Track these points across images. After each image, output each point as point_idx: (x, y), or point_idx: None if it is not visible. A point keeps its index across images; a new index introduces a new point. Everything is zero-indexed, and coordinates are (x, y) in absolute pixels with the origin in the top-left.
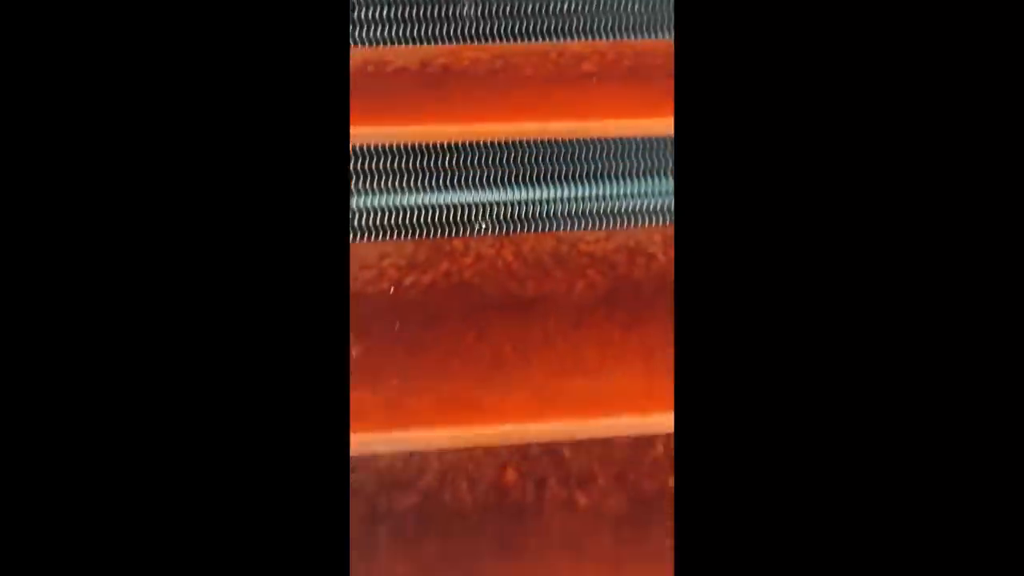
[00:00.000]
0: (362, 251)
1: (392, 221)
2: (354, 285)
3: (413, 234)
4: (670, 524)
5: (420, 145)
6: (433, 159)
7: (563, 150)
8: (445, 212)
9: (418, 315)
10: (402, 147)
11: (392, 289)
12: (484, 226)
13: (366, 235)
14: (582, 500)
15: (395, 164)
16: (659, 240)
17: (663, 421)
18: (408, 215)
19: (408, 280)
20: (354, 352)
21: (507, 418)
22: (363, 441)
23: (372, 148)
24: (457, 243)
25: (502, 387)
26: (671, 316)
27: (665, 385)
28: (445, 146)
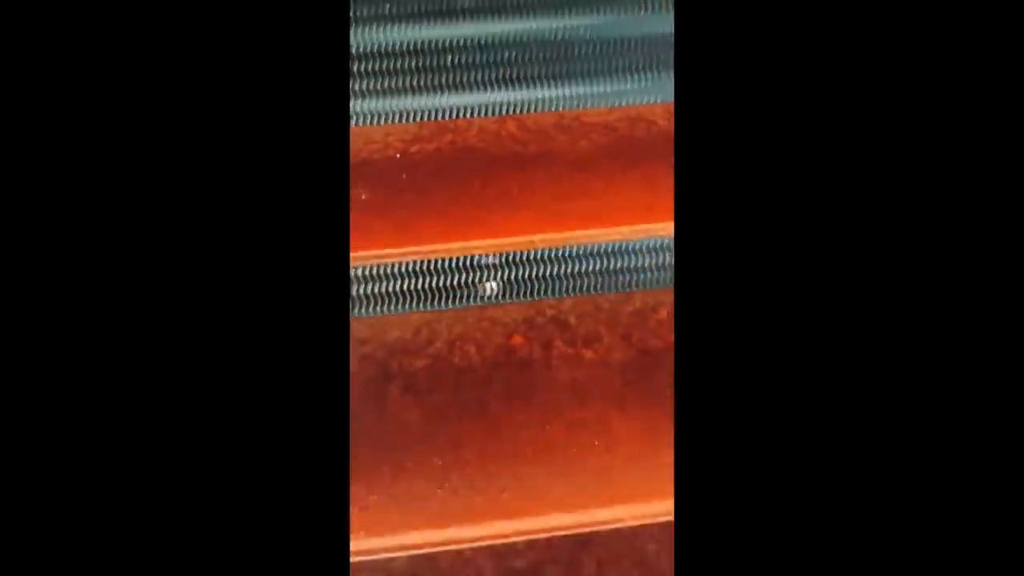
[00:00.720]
0: (365, 132)
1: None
2: (358, 156)
3: None
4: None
5: (419, 44)
6: (432, 59)
7: (564, 49)
8: (445, 113)
9: (425, 169)
10: (400, 46)
11: (398, 155)
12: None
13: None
14: (588, 355)
15: (393, 65)
16: (661, 112)
17: (665, 227)
18: (407, 117)
19: (413, 149)
20: (362, 195)
21: (513, 232)
22: (371, 256)
23: (370, 50)
24: (460, 121)
25: (508, 209)
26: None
27: (666, 203)
28: (444, 45)
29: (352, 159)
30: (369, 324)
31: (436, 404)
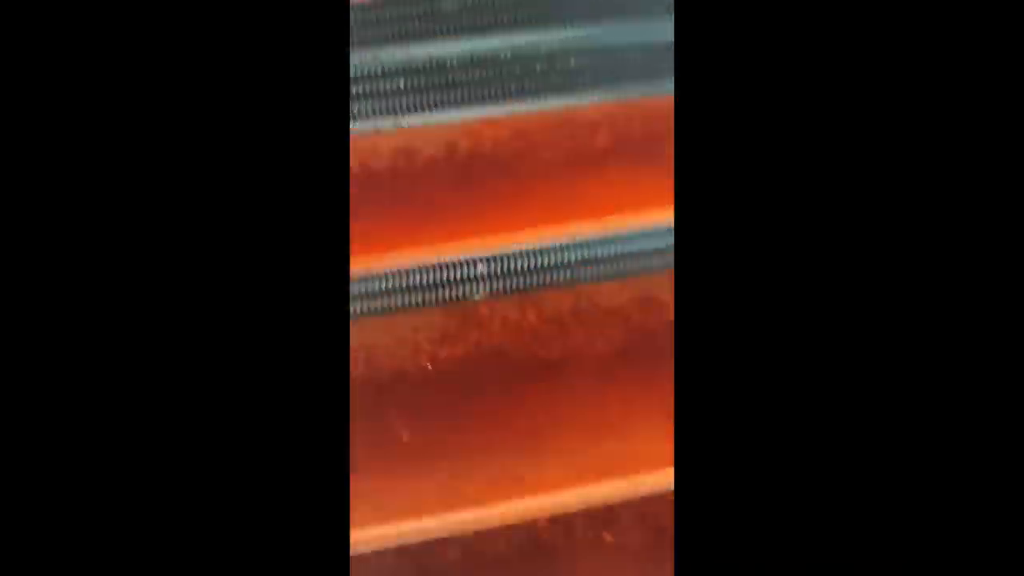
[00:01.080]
0: (395, 326)
1: (410, 282)
2: (393, 362)
3: (434, 294)
4: None
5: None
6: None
7: None
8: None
9: (457, 388)
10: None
11: (429, 365)
12: (502, 283)
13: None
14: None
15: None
16: (668, 283)
17: (666, 475)
18: (426, 276)
19: (443, 353)
20: (404, 436)
21: (546, 488)
22: (421, 528)
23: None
24: (483, 309)
25: (540, 458)
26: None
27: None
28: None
29: (387, 365)
30: None
31: None
